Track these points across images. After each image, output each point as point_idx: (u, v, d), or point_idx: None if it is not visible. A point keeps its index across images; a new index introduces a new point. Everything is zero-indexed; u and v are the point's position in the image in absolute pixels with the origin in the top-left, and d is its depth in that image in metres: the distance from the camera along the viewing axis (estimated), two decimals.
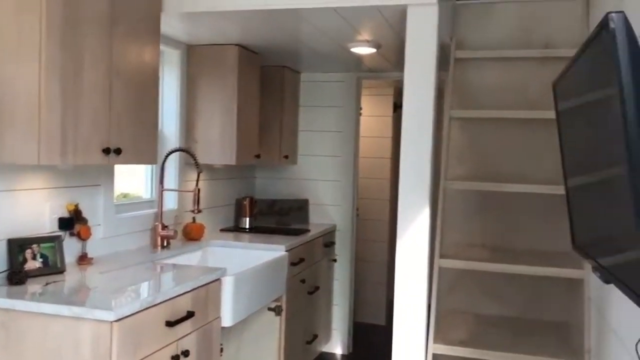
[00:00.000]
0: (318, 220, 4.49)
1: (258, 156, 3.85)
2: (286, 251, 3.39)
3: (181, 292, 2.29)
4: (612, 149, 1.27)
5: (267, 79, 4.07)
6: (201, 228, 3.48)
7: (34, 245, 2.33)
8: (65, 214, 2.55)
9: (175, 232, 3.12)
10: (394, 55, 3.62)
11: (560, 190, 2.17)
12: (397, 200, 2.56)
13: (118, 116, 2.38)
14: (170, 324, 2.19)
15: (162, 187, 3.22)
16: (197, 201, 3.12)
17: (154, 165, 3.36)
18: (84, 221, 2.61)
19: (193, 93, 3.54)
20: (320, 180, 4.51)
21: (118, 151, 2.35)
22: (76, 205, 2.59)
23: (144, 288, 2.31)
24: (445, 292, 3.02)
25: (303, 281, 3.73)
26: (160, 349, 2.15)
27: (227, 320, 2.65)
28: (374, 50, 3.38)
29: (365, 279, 5.29)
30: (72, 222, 2.55)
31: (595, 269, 1.64)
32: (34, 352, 1.97)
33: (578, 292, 2.71)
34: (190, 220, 3.49)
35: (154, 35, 2.64)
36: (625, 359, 1.86)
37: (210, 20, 2.91)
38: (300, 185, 4.54)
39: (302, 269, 3.70)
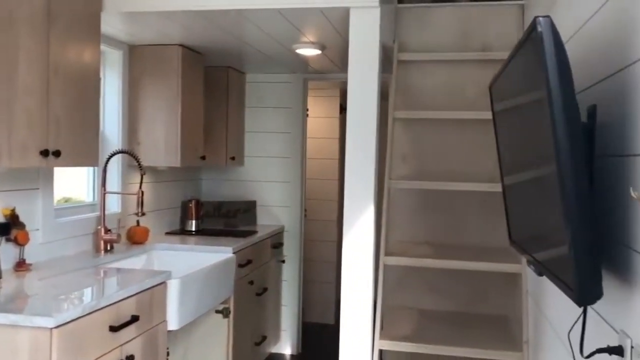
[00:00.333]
0: (266, 222, 4.49)
1: (203, 158, 3.81)
2: (233, 253, 3.37)
3: (125, 296, 2.24)
4: (542, 148, 1.34)
5: (211, 80, 4.04)
6: (146, 231, 3.42)
7: None
8: (1, 219, 2.46)
9: (119, 235, 3.06)
10: (339, 57, 3.66)
11: (499, 187, 2.25)
12: None
13: (57, 117, 2.31)
14: (113, 328, 2.14)
15: (105, 190, 3.15)
16: (140, 204, 3.07)
17: (96, 168, 3.28)
18: (21, 226, 2.52)
19: (136, 94, 3.47)
20: (268, 182, 4.51)
21: (57, 153, 2.29)
22: (13, 210, 2.50)
23: (86, 293, 2.26)
24: (391, 289, 3.08)
25: (251, 283, 3.72)
26: (104, 355, 2.11)
27: (173, 323, 2.62)
28: (319, 51, 3.41)
29: (314, 279, 5.32)
30: (9, 227, 2.46)
31: (529, 263, 1.72)
32: None
33: (517, 285, 2.82)
34: (134, 223, 3.42)
35: (93, 34, 2.58)
36: (560, 348, 1.95)
37: (152, 20, 2.87)
38: (248, 187, 4.53)
39: (250, 271, 3.69)
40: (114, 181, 3.39)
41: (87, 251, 3.05)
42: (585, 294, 1.25)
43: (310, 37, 3.14)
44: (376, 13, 2.51)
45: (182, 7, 2.62)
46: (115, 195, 3.39)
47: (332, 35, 3.04)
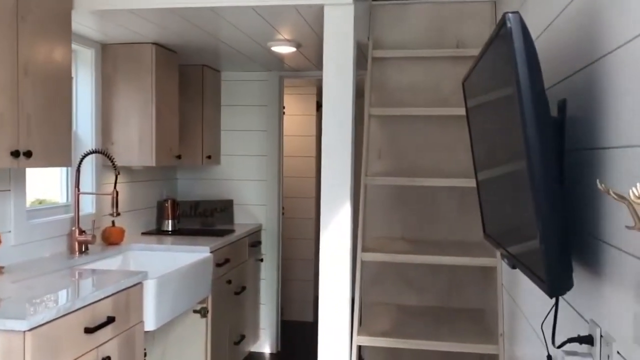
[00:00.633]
0: (243, 221, 4.47)
1: (179, 157, 3.78)
2: (211, 252, 3.36)
3: (100, 298, 2.22)
4: (513, 143, 1.35)
5: (186, 78, 4.01)
6: (121, 232, 3.38)
7: None
8: None
9: (94, 236, 3.02)
10: (314, 55, 3.66)
11: (474, 183, 2.28)
12: None
13: (27, 117, 2.28)
14: (89, 330, 2.12)
15: (78, 190, 3.10)
16: (115, 204, 3.04)
17: (69, 168, 3.24)
18: None
19: (109, 93, 3.43)
20: (244, 180, 4.49)
21: (28, 154, 2.25)
22: None
23: (60, 295, 2.23)
24: (368, 285, 3.10)
25: (229, 282, 3.71)
26: (80, 357, 2.08)
27: (150, 324, 2.60)
28: (294, 49, 3.41)
29: (293, 277, 5.32)
30: None
31: (503, 256, 1.74)
32: None
33: (492, 279, 2.85)
34: (110, 224, 3.38)
35: (64, 33, 2.54)
36: (535, 339, 1.98)
37: (124, 19, 2.83)
38: (225, 186, 4.50)
39: (227, 270, 3.67)
40: (88, 182, 3.35)
41: (62, 253, 3.01)
42: (556, 285, 1.27)
43: (285, 34, 3.13)
44: (350, 10, 2.52)
45: (155, 4, 2.59)
46: (90, 195, 3.35)
47: (307, 33, 3.04)
